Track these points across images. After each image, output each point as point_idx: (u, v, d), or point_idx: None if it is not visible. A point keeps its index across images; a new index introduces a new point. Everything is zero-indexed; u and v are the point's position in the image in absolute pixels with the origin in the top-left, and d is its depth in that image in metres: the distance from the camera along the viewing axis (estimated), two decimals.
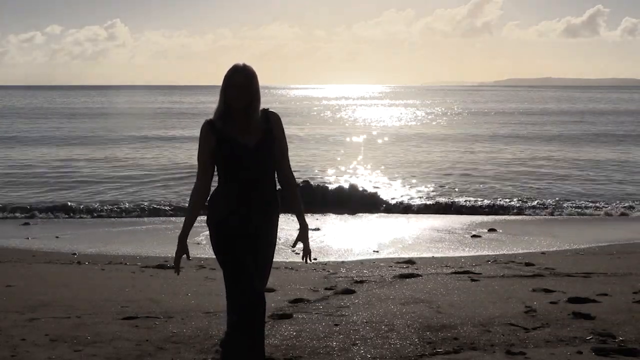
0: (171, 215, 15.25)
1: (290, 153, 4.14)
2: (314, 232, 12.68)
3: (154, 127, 44.29)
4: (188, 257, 4.11)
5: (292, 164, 4.15)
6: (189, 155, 26.99)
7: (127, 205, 16.46)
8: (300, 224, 4.13)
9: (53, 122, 49.05)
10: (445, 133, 40.85)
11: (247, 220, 3.96)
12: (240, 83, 3.91)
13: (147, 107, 74.91)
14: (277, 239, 4.17)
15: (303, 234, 4.13)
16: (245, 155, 3.94)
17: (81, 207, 16.03)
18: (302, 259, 4.15)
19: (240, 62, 3.99)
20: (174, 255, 4.06)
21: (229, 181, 3.97)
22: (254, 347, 3.93)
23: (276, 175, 4.09)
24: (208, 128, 3.98)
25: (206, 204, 4.06)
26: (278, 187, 4.11)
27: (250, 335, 3.90)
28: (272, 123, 4.03)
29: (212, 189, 4.07)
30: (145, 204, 16.57)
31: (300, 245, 4.16)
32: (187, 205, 4.15)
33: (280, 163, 4.06)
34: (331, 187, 17.71)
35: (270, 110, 4.06)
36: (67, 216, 15.30)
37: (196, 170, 4.05)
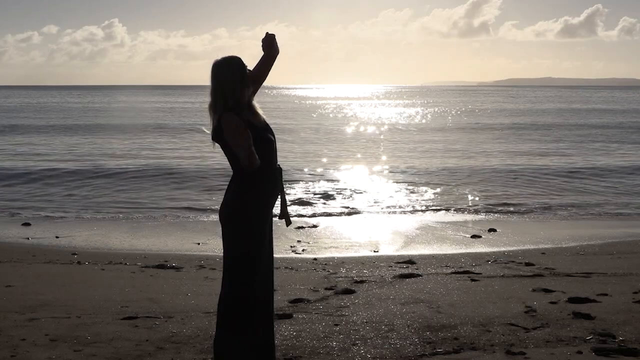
0: (171, 216, 15.23)
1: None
2: (312, 229, 12.71)
3: (152, 127, 44.27)
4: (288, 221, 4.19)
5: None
6: (185, 156, 27.00)
7: (127, 205, 16.45)
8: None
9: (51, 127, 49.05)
10: (450, 134, 40.80)
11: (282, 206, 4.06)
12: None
13: (155, 107, 74.90)
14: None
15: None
16: (269, 138, 3.98)
17: (81, 207, 16.02)
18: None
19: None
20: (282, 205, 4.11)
21: (262, 169, 3.90)
22: None
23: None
24: (238, 117, 3.84)
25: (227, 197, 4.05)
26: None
27: None
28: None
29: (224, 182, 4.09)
30: (146, 204, 16.58)
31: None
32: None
33: None
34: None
35: None
36: (66, 217, 15.28)
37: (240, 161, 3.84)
